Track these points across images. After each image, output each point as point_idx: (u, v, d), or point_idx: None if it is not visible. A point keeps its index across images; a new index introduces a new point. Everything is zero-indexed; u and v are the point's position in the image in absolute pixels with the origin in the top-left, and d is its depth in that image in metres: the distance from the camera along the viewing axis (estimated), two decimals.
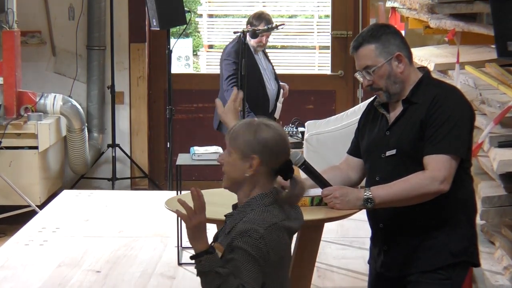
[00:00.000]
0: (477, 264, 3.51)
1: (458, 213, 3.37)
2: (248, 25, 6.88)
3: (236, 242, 2.74)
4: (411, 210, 3.34)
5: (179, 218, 5.43)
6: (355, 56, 3.43)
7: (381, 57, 3.36)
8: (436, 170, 3.25)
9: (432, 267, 3.34)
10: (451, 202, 3.33)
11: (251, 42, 6.89)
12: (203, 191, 3.22)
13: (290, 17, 9.30)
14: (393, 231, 3.41)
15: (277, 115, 7.24)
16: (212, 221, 3.33)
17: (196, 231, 2.71)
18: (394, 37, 3.39)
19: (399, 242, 3.40)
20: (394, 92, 3.39)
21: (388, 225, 3.43)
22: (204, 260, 2.69)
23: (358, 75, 3.45)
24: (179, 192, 5.51)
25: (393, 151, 3.37)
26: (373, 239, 3.56)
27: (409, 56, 3.42)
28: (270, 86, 7.10)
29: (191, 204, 2.74)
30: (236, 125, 2.93)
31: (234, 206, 2.97)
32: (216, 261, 2.71)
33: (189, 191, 2.76)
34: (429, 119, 3.30)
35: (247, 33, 6.49)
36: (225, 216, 2.96)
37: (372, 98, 3.61)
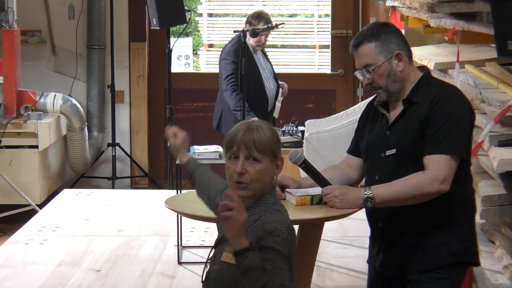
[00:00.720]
0: (477, 264, 3.51)
1: (458, 212, 3.37)
2: (247, 25, 6.88)
3: (265, 242, 2.73)
4: (410, 209, 3.34)
5: (179, 217, 5.44)
6: (355, 54, 3.43)
7: (381, 55, 3.36)
8: (436, 170, 3.25)
9: (431, 267, 3.34)
10: (451, 202, 3.33)
11: (250, 41, 6.89)
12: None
13: (290, 16, 9.30)
14: (392, 230, 3.41)
15: (276, 114, 7.24)
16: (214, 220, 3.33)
17: (242, 227, 2.66)
18: (394, 35, 3.39)
19: (398, 241, 3.40)
20: (393, 91, 3.39)
21: (387, 224, 3.43)
22: (250, 255, 2.63)
23: (358, 74, 3.46)
24: (179, 191, 5.51)
25: (393, 151, 3.37)
26: (372, 238, 3.56)
27: (409, 54, 3.42)
28: (269, 85, 7.10)
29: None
30: (244, 132, 2.87)
31: None
32: (260, 258, 2.67)
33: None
34: (429, 119, 3.30)
35: (247, 32, 6.49)
36: None
37: (372, 98, 3.61)
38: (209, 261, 2.97)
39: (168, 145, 3.40)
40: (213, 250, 2.96)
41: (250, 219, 2.84)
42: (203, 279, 2.98)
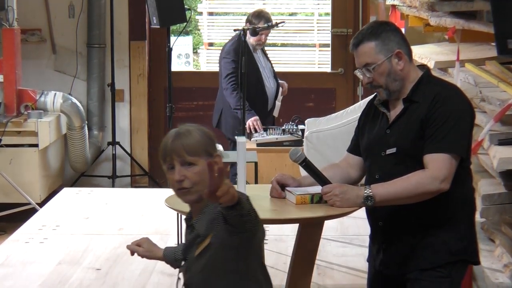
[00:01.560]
0: (477, 262, 3.51)
1: (458, 211, 3.37)
2: (247, 23, 6.88)
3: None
4: (410, 208, 3.34)
5: (179, 216, 5.44)
6: (355, 53, 3.43)
7: (381, 54, 3.36)
8: (437, 169, 3.25)
9: (431, 265, 3.34)
10: (451, 201, 3.34)
11: (250, 40, 6.89)
12: None
13: (290, 15, 9.30)
14: (392, 229, 3.42)
15: (275, 113, 7.25)
16: None
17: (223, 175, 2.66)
18: (394, 34, 3.39)
19: (398, 240, 3.41)
20: (394, 90, 3.39)
21: (387, 223, 3.43)
22: (243, 203, 2.68)
23: (358, 73, 3.46)
24: None
25: (393, 150, 3.37)
26: (372, 237, 3.56)
27: (409, 53, 3.42)
28: (269, 84, 7.10)
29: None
30: (173, 140, 2.91)
31: (189, 218, 2.99)
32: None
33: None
34: (429, 118, 3.30)
35: (247, 31, 6.49)
36: (190, 223, 2.97)
37: (372, 96, 3.61)
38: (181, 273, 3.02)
39: (141, 256, 3.35)
40: (184, 262, 3.00)
41: (209, 217, 2.86)
42: None
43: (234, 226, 2.69)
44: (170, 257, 3.25)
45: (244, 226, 2.70)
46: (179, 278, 3.03)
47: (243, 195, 2.69)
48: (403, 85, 3.40)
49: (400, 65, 3.38)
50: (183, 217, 3.11)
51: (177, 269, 3.08)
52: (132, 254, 3.33)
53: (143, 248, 3.32)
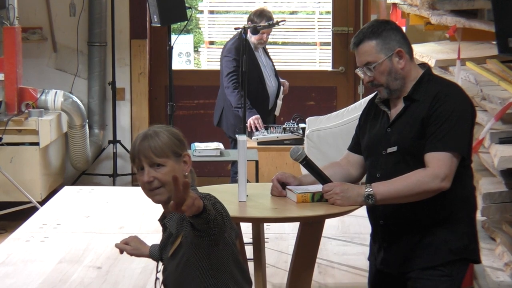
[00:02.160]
0: (478, 261, 3.51)
1: (458, 210, 3.37)
2: (249, 22, 6.87)
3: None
4: (411, 207, 3.34)
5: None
6: (356, 52, 3.43)
7: (382, 53, 3.36)
8: (437, 167, 3.25)
9: (432, 264, 3.35)
10: (452, 199, 3.34)
11: (252, 39, 6.89)
12: (205, 187, 3.23)
13: (291, 13, 9.30)
14: (393, 227, 3.42)
15: (277, 112, 7.25)
16: None
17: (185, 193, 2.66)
18: (395, 33, 3.39)
19: (399, 238, 3.41)
20: (395, 88, 3.39)
21: (388, 221, 3.43)
22: (209, 209, 2.69)
23: (359, 71, 3.46)
24: None
25: (394, 148, 3.37)
26: (373, 235, 3.56)
27: (410, 52, 3.42)
28: (270, 83, 7.10)
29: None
30: (140, 142, 2.92)
31: (162, 218, 3.03)
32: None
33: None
34: (430, 116, 3.30)
35: (248, 29, 6.49)
36: (163, 223, 3.01)
37: (372, 95, 3.61)
38: (159, 272, 3.04)
39: (129, 254, 3.37)
40: (161, 263, 3.04)
41: (179, 216, 2.90)
42: None
43: (200, 231, 2.74)
44: (155, 254, 3.26)
45: (209, 231, 2.74)
46: (157, 278, 3.06)
47: (209, 199, 2.73)
48: (404, 83, 3.40)
49: (401, 63, 3.38)
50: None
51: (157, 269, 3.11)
52: (121, 252, 3.37)
53: (130, 247, 3.35)
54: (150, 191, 2.95)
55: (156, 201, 2.97)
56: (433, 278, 3.34)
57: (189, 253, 2.85)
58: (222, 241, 2.83)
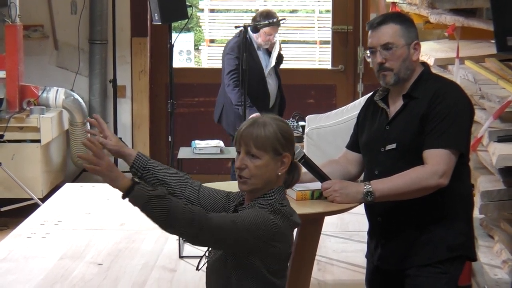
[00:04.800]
0: (474, 259, 3.52)
1: (456, 208, 3.37)
2: (253, 22, 6.87)
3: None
4: (409, 204, 3.34)
5: None
6: (373, 32, 3.38)
7: (403, 39, 3.36)
8: (436, 164, 3.26)
9: (430, 261, 3.35)
10: (449, 197, 3.33)
11: (259, 40, 6.91)
12: (206, 184, 3.21)
13: (291, 12, 9.30)
14: (391, 225, 3.42)
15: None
16: None
17: (110, 173, 2.73)
18: (414, 28, 3.43)
19: (396, 236, 3.41)
20: (402, 77, 3.37)
21: (385, 219, 3.43)
22: (137, 190, 2.68)
23: (367, 53, 3.42)
24: None
25: (393, 145, 3.37)
26: (370, 232, 3.56)
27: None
28: (272, 81, 7.11)
29: None
30: (247, 127, 2.87)
31: (240, 203, 2.97)
32: (147, 188, 2.70)
33: None
34: (429, 113, 3.30)
35: (249, 28, 6.49)
36: (238, 208, 2.94)
37: (371, 93, 3.61)
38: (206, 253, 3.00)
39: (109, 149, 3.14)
40: None
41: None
42: (198, 268, 3.02)
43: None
44: (142, 160, 3.09)
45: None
46: (204, 256, 3.01)
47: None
48: (411, 76, 3.39)
49: (416, 56, 3.39)
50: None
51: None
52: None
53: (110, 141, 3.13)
54: (239, 177, 2.86)
55: (241, 189, 2.89)
56: (431, 275, 3.34)
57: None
58: (245, 261, 2.78)
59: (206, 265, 3.00)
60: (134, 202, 2.70)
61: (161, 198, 2.67)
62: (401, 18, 3.42)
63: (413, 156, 3.33)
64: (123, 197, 2.69)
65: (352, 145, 3.63)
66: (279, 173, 2.87)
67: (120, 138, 8.14)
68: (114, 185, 2.71)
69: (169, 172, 3.07)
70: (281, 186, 2.90)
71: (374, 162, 3.46)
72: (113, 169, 2.71)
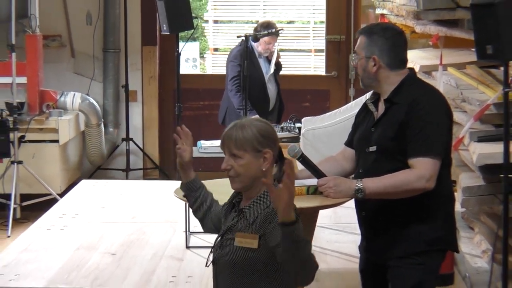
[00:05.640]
0: (455, 250, 3.49)
1: (436, 206, 3.32)
2: (254, 32, 6.87)
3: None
4: (391, 203, 3.31)
5: (187, 205, 5.44)
6: None
7: (363, 51, 3.40)
8: (424, 169, 3.22)
9: (408, 253, 3.32)
10: (429, 197, 3.28)
11: (259, 48, 6.92)
12: (209, 181, 3.22)
13: (288, 22, 9.29)
14: (374, 220, 3.40)
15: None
16: None
17: (292, 200, 2.54)
18: (384, 42, 3.38)
19: (380, 230, 3.39)
20: (366, 84, 3.44)
21: (369, 214, 3.41)
22: (297, 227, 2.56)
23: (352, 56, 3.51)
24: None
25: (374, 148, 3.36)
26: (359, 225, 3.55)
27: (391, 63, 3.40)
28: (271, 86, 7.11)
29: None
30: (227, 130, 2.91)
31: (238, 202, 2.96)
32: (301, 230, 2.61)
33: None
34: (409, 121, 3.26)
35: (250, 37, 6.50)
36: (239, 208, 2.92)
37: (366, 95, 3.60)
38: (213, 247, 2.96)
39: (177, 162, 3.18)
40: (220, 238, 2.93)
41: (259, 207, 2.84)
42: (207, 265, 2.98)
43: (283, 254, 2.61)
44: (196, 183, 3.12)
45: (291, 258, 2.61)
46: (211, 251, 2.97)
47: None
48: (378, 85, 3.40)
49: (373, 69, 3.38)
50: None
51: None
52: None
53: (184, 155, 3.14)
54: (229, 177, 2.89)
55: (233, 188, 2.90)
56: (408, 266, 3.32)
57: (254, 251, 2.77)
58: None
59: (211, 258, 2.97)
60: (289, 232, 2.56)
61: (308, 244, 2.63)
62: (371, 32, 3.40)
63: (390, 159, 3.30)
64: (283, 225, 2.54)
65: (349, 143, 3.62)
66: (264, 169, 2.86)
67: (132, 139, 8.21)
68: (285, 212, 2.54)
69: (206, 199, 3.14)
70: (275, 182, 2.87)
71: (360, 161, 3.45)
72: (292, 200, 2.55)
